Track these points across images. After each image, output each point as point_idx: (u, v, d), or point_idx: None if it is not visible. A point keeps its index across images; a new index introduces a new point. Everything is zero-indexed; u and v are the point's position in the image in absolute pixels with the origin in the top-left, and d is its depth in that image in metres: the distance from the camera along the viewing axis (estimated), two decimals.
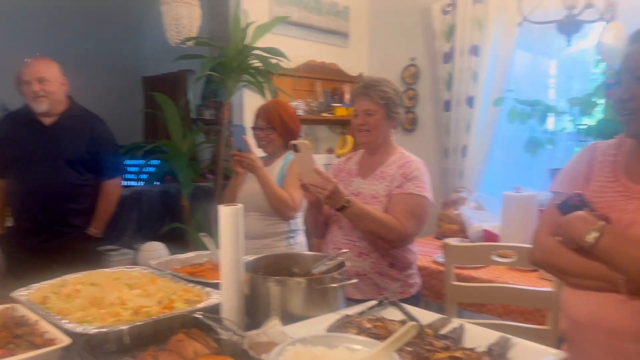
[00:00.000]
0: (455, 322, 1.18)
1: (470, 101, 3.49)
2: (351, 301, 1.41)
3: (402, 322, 1.16)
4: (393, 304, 1.31)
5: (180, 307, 1.22)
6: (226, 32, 3.33)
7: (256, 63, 3.15)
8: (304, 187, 1.74)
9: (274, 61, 3.18)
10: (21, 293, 1.31)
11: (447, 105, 3.65)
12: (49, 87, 2.40)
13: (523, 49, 3.40)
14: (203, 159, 4.49)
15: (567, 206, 1.17)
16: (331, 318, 1.19)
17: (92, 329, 1.07)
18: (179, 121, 3.22)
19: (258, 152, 2.58)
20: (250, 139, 2.31)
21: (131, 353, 1.02)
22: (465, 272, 2.39)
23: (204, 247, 1.81)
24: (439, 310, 2.35)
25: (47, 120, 2.49)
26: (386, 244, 1.86)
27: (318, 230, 2.04)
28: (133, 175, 4.83)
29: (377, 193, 1.89)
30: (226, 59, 3.09)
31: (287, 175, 2.35)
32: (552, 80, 3.49)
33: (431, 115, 3.91)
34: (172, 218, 3.41)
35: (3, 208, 2.59)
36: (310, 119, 3.78)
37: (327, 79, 3.88)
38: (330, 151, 4.00)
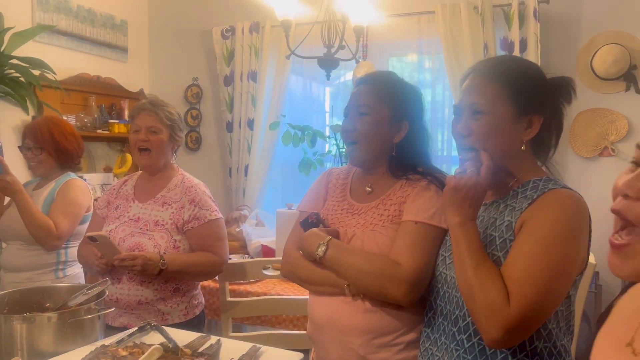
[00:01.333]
0: (213, 339, 1.26)
1: (250, 123, 3.68)
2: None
3: (162, 345, 1.19)
4: (155, 328, 1.33)
5: None
6: None
7: (14, 73, 2.83)
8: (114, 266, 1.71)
9: (36, 72, 2.90)
10: None
11: (229, 126, 3.78)
12: None
13: (299, 75, 3.72)
14: None
15: (306, 223, 1.35)
16: (85, 351, 1.15)
17: None
18: None
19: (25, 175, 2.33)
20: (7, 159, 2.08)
21: None
22: (242, 287, 2.51)
23: None
24: (215, 326, 2.43)
25: None
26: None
27: (100, 273, 1.90)
28: None
29: (163, 220, 1.83)
30: None
31: (56, 200, 2.18)
32: (327, 105, 3.90)
33: (215, 135, 4.00)
34: None
35: None
36: (85, 135, 3.51)
37: (103, 94, 3.67)
38: (107, 170, 3.78)
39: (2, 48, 2.87)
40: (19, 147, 2.32)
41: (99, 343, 1.20)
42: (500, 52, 3.11)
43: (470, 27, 3.09)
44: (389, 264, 1.23)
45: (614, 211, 0.59)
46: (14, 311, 1.25)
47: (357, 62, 3.00)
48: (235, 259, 2.90)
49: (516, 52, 3.03)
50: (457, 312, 1.13)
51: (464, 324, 1.11)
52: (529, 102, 1.10)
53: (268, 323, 2.46)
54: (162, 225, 1.82)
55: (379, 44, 3.48)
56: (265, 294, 2.39)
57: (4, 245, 2.32)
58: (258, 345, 1.20)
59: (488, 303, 0.98)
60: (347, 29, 2.81)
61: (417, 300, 1.26)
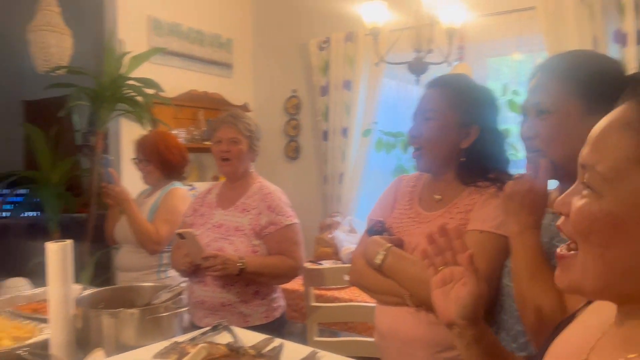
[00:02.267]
0: (277, 342, 1.30)
1: (344, 132, 3.73)
2: None
3: (227, 345, 1.25)
4: (226, 328, 1.40)
5: (6, 345, 1.22)
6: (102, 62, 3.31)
7: (131, 93, 3.16)
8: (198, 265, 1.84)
9: (149, 91, 3.21)
10: None
11: (325, 135, 3.87)
12: None
13: (394, 80, 3.69)
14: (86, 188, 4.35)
15: (372, 231, 1.35)
16: (161, 346, 1.25)
17: None
18: (48, 150, 3.13)
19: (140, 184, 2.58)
20: (127, 170, 2.33)
21: None
22: (330, 293, 2.55)
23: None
24: (304, 329, 2.49)
25: None
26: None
27: (184, 273, 2.06)
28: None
29: (242, 225, 1.93)
30: (99, 88, 3.07)
31: (159, 208, 2.39)
32: None
33: (312, 144, 4.11)
34: (42, 252, 3.26)
35: None
36: (194, 147, 3.82)
37: (211, 108, 3.95)
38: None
39: (122, 71, 3.22)
40: (132, 159, 2.58)
41: (173, 340, 1.30)
42: (613, 46, 2.83)
43: (576, 20, 2.85)
44: None
45: (557, 227, 0.63)
46: (108, 307, 1.40)
47: (450, 65, 2.91)
48: (327, 264, 2.96)
49: (631, 46, 2.73)
50: (517, 328, 1.05)
51: (522, 340, 1.03)
52: (600, 100, 0.99)
53: (355, 330, 2.47)
54: (242, 230, 1.92)
55: (476, 44, 3.34)
56: (352, 301, 2.41)
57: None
58: (316, 350, 1.22)
59: (539, 317, 0.91)
60: (439, 31, 2.74)
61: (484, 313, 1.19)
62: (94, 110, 3.15)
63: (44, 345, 1.25)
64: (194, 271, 1.90)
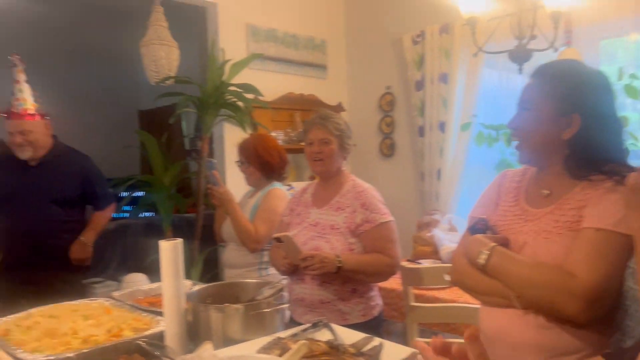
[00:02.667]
0: (376, 341, 1.29)
1: (442, 126, 3.62)
2: None
3: (327, 342, 1.27)
4: (326, 326, 1.42)
5: (127, 335, 1.33)
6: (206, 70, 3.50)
7: (233, 99, 3.31)
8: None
9: (249, 96, 3.34)
10: None
11: (421, 131, 3.78)
12: (32, 137, 2.55)
13: (494, 69, 3.51)
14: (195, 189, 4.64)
15: (474, 230, 1.29)
16: (264, 341, 1.30)
17: (41, 357, 1.18)
18: (161, 155, 3.37)
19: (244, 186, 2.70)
20: (231, 172, 2.44)
21: None
22: (430, 293, 2.49)
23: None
24: (403, 329, 2.45)
25: (32, 161, 2.64)
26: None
27: (283, 272, 2.08)
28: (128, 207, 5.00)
29: (337, 224, 1.95)
30: (203, 95, 3.25)
31: (259, 208, 2.48)
32: None
33: (407, 140, 4.05)
34: (156, 250, 3.52)
35: None
36: (291, 148, 3.92)
37: (306, 110, 4.03)
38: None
39: (224, 78, 3.38)
40: (236, 162, 2.70)
41: (276, 335, 1.34)
42: None
43: None
44: (560, 274, 1.10)
45: None
46: (214, 302, 1.48)
47: (556, 50, 2.71)
48: (426, 263, 2.89)
49: None
50: None
51: None
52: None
53: (458, 331, 2.39)
54: (337, 229, 1.93)
55: (586, 27, 3.08)
56: (453, 302, 2.33)
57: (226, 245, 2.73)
58: (417, 351, 1.19)
59: None
60: (542, 16, 2.57)
61: (604, 317, 1.10)
62: (200, 117, 3.34)
63: (160, 336, 1.34)
64: (293, 271, 1.94)
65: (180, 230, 3.72)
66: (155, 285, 1.92)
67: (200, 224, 3.33)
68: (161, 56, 3.21)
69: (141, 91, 7.23)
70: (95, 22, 5.90)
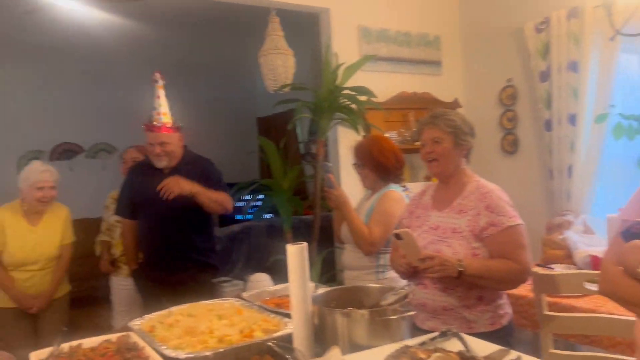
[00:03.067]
0: (513, 354, 1.20)
1: (572, 119, 3.33)
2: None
3: (459, 354, 1.21)
4: (455, 335, 1.36)
5: (259, 336, 1.38)
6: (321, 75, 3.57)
7: (346, 102, 3.33)
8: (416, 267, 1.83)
9: (362, 98, 3.34)
10: (135, 323, 1.57)
11: (548, 125, 3.51)
12: (169, 148, 2.77)
13: (631, 53, 3.16)
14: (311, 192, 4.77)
15: (629, 234, 1.15)
16: (391, 348, 1.27)
17: (182, 355, 1.27)
18: (280, 160, 3.49)
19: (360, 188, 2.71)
20: (346, 174, 2.45)
21: None
22: (565, 301, 2.29)
23: None
24: (535, 339, 2.28)
25: (166, 169, 2.86)
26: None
27: (403, 275, 2.02)
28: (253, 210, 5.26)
29: (459, 227, 1.86)
30: (318, 100, 3.31)
31: (374, 210, 2.46)
32: None
33: (532, 135, 3.78)
34: (278, 250, 3.66)
35: (136, 246, 3.00)
36: (405, 149, 3.85)
37: (420, 108, 3.93)
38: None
39: (337, 82, 3.42)
40: (353, 165, 2.71)
41: (404, 342, 1.31)
42: None
43: None
44: None
45: None
46: (338, 305, 1.49)
47: None
48: (558, 269, 2.67)
49: None
50: None
51: None
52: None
53: (600, 344, 2.17)
54: (460, 232, 1.84)
55: None
56: (592, 311, 2.12)
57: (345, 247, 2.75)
58: None
59: None
60: None
61: None
62: (315, 121, 3.41)
63: (288, 338, 1.38)
64: (412, 273, 1.89)
65: (298, 231, 3.83)
66: (280, 286, 1.99)
67: (317, 226, 3.40)
68: (278, 65, 3.33)
69: (258, 99, 7.60)
70: (215, 38, 6.32)
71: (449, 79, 4.19)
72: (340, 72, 3.44)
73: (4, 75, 6.27)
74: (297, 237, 3.62)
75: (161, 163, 2.79)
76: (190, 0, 4.15)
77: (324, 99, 3.33)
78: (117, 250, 3.45)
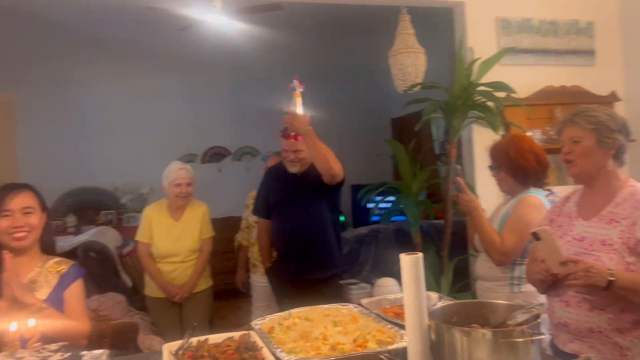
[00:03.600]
0: None
1: None
2: None
3: None
4: None
5: (372, 347, 1.34)
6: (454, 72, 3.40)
7: (481, 99, 3.13)
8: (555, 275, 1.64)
9: (500, 94, 3.10)
10: (257, 322, 1.63)
11: None
12: (301, 155, 2.84)
13: None
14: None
15: None
16: None
17: (294, 359, 1.27)
18: (409, 162, 3.40)
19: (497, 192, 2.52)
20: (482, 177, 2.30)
21: None
22: None
23: (432, 287, 1.88)
24: None
25: (294, 170, 2.93)
26: None
27: (541, 287, 1.84)
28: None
29: (610, 239, 1.63)
30: (450, 98, 3.15)
31: (509, 218, 2.27)
32: None
33: None
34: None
35: (270, 244, 3.13)
36: (551, 148, 3.49)
37: (568, 103, 3.55)
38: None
39: (472, 78, 3.22)
40: (488, 167, 2.52)
41: None
42: None
43: None
44: None
45: None
46: (459, 321, 1.38)
47: None
48: None
49: None
50: None
51: None
52: None
53: None
54: (611, 245, 1.60)
55: None
56: None
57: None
58: None
59: None
60: None
61: None
62: (447, 120, 3.26)
63: (402, 352, 1.31)
64: (552, 284, 1.68)
65: (429, 236, 3.70)
66: (401, 295, 1.91)
67: (449, 231, 3.24)
68: (407, 64, 3.24)
69: (393, 100, 7.54)
70: (349, 40, 6.40)
71: (605, 70, 3.72)
72: (476, 67, 3.24)
73: (163, 86, 7.07)
74: (426, 243, 3.50)
75: (294, 169, 2.88)
76: (324, 5, 4.25)
77: (457, 96, 3.16)
78: (254, 249, 3.64)
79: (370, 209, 5.13)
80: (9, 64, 6.68)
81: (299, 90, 2.79)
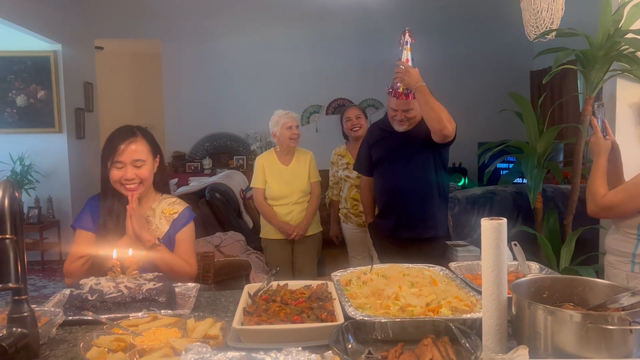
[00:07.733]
0: None
1: None
2: None
3: None
4: None
5: (444, 314, 1.25)
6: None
7: (629, 49, 2.67)
8: None
9: None
10: (337, 273, 1.61)
11: None
12: (411, 114, 2.71)
13: None
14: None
15: None
16: None
17: (359, 315, 1.24)
18: (535, 119, 3.06)
19: None
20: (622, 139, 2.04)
21: (382, 346, 1.14)
22: None
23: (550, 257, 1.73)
24: None
25: (401, 129, 2.80)
26: None
27: None
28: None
29: None
30: (589, 48, 2.74)
31: (631, 179, 1.98)
32: None
33: None
34: (524, 220, 3.27)
35: (373, 200, 3.09)
36: None
37: None
38: None
39: (620, 24, 2.76)
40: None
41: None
42: None
43: None
44: None
45: None
46: (549, 298, 1.23)
47: None
48: None
49: None
50: None
51: None
52: None
53: None
54: None
55: None
56: None
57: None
58: None
59: None
60: None
61: None
62: (583, 73, 2.85)
63: (477, 324, 1.21)
64: None
65: (552, 202, 3.37)
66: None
67: (575, 197, 2.91)
68: (542, 8, 2.85)
69: (533, 51, 6.83)
70: None
71: None
72: (626, 10, 2.76)
73: (293, 37, 7.20)
74: (550, 209, 3.18)
75: (401, 127, 2.77)
76: None
77: (599, 45, 2.74)
78: (347, 204, 3.63)
79: (500, 169, 4.83)
80: (157, 14, 7.27)
81: (409, 45, 2.64)
